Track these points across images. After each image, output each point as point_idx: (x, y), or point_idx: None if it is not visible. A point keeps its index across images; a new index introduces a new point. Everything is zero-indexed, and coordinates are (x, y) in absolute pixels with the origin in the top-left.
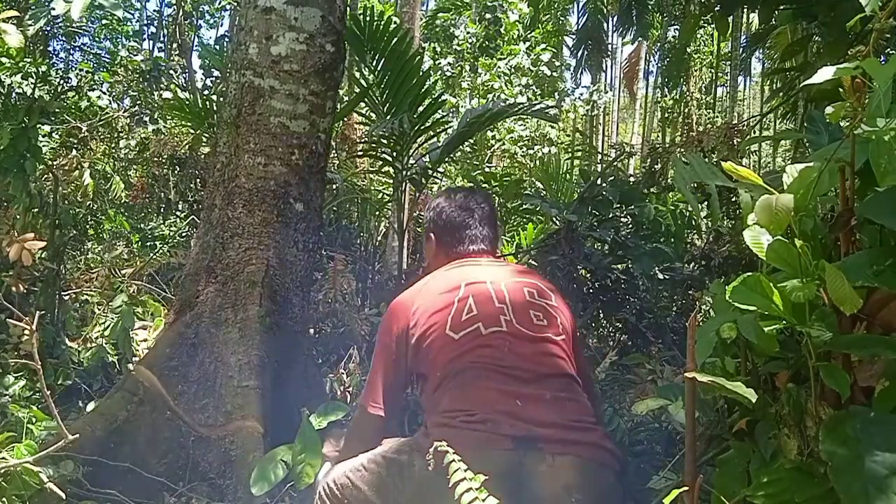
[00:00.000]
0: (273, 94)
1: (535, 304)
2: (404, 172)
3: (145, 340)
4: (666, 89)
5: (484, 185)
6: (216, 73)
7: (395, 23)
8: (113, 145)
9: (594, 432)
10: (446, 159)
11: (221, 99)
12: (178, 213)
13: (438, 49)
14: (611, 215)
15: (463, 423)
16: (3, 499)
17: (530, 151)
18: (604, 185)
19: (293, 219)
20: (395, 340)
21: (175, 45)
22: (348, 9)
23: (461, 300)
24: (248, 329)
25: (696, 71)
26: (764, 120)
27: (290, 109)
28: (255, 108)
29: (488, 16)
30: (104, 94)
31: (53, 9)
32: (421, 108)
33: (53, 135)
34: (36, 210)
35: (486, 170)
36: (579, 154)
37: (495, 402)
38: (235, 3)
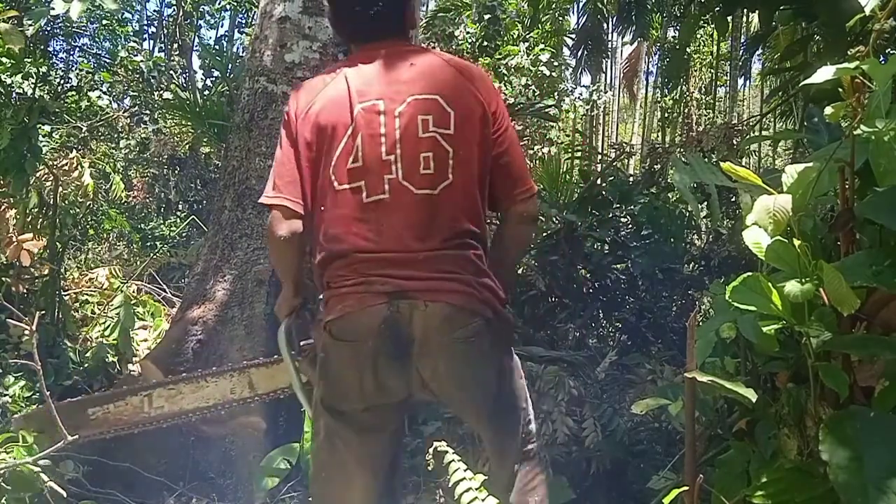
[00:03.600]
0: (285, 100)
1: (428, 140)
2: None
3: (145, 340)
4: (666, 89)
5: None
6: (216, 73)
7: None
8: (113, 145)
9: (466, 283)
10: None
11: (223, 99)
12: (178, 213)
13: (438, 49)
14: (611, 215)
15: (342, 288)
16: (4, 499)
17: (530, 151)
18: (604, 185)
19: None
20: (293, 125)
21: (175, 46)
22: None
23: (351, 135)
24: (254, 326)
25: (695, 71)
26: (764, 120)
27: None
28: (268, 112)
29: (488, 16)
30: (104, 94)
31: (53, 9)
32: None
33: (53, 135)
34: (36, 210)
35: None
36: (579, 154)
37: (369, 269)
38: (235, 4)
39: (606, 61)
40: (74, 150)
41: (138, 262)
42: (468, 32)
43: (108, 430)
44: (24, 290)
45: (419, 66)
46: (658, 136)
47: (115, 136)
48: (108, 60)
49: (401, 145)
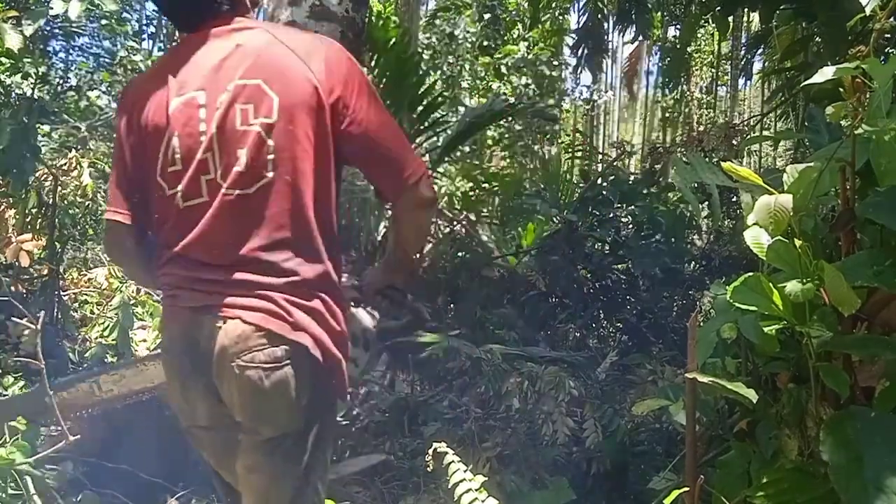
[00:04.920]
0: None
1: (247, 133)
2: None
3: (144, 340)
4: (666, 89)
5: (484, 185)
6: None
7: (394, 23)
8: (112, 145)
9: (272, 301)
10: (446, 159)
11: None
12: None
13: (438, 49)
14: (611, 215)
15: (165, 298)
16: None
17: (530, 151)
18: (604, 184)
19: None
20: (118, 129)
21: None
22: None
23: (168, 135)
24: None
25: (696, 70)
26: (764, 120)
27: None
28: None
29: (488, 15)
30: (104, 93)
31: (52, 8)
32: (420, 108)
33: (53, 135)
34: (35, 210)
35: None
36: (579, 154)
37: (181, 280)
38: None
39: (607, 61)
40: (74, 150)
41: None
42: (468, 32)
43: (66, 413)
44: (24, 291)
45: (245, 46)
46: (659, 135)
47: (115, 135)
48: (107, 60)
49: (218, 141)
